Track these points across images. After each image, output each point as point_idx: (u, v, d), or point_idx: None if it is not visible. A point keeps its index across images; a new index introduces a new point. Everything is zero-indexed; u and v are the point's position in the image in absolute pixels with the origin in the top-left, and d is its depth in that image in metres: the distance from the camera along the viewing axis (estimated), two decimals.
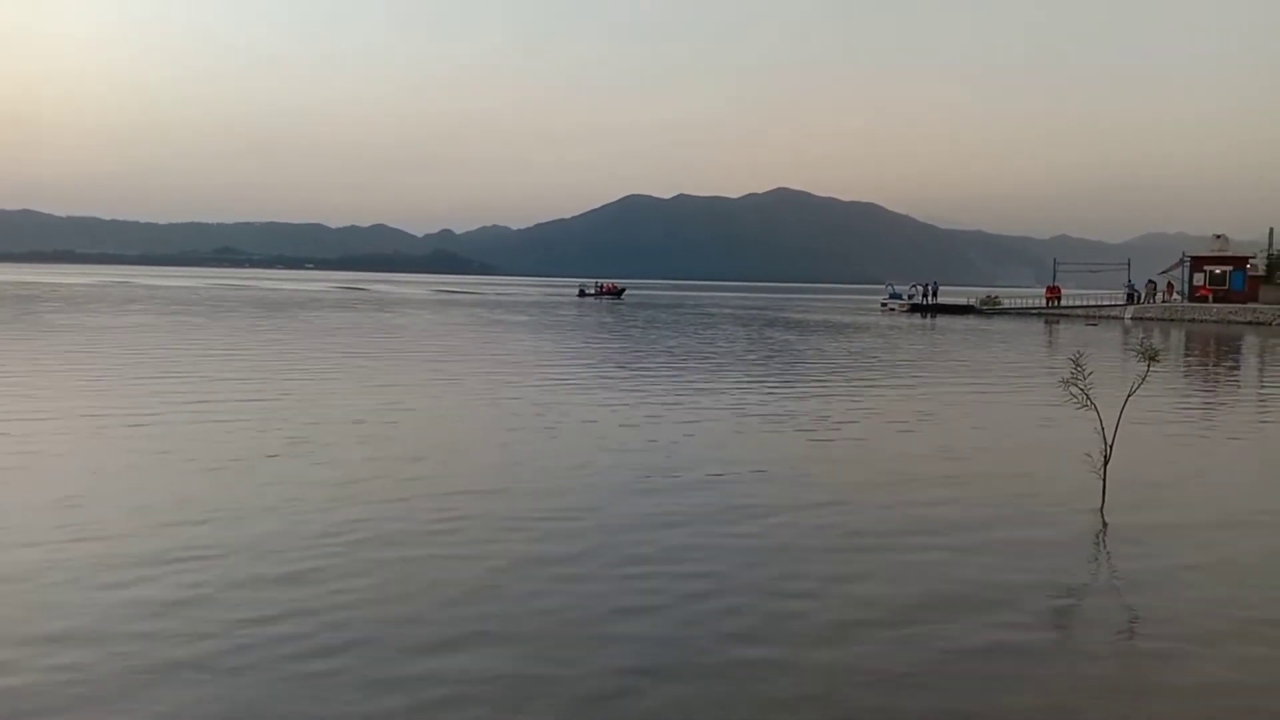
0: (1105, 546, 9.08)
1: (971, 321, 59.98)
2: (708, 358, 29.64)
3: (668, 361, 27.86)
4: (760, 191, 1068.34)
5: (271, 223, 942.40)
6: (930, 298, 75.62)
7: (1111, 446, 10.54)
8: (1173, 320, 61.23)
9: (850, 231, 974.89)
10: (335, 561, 7.80)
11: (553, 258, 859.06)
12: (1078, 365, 10.54)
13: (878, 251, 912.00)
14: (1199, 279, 67.86)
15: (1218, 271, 67.32)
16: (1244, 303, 63.13)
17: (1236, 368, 31.78)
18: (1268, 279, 68.84)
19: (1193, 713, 5.58)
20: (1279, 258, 71.16)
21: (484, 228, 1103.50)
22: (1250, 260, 68.91)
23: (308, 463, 11.73)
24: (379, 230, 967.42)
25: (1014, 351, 34.95)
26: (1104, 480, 10.42)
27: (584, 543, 8.52)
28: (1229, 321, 58.32)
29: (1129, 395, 10.71)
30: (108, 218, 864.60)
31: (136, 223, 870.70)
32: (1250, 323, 57.24)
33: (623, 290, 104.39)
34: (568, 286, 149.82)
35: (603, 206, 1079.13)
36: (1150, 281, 70.86)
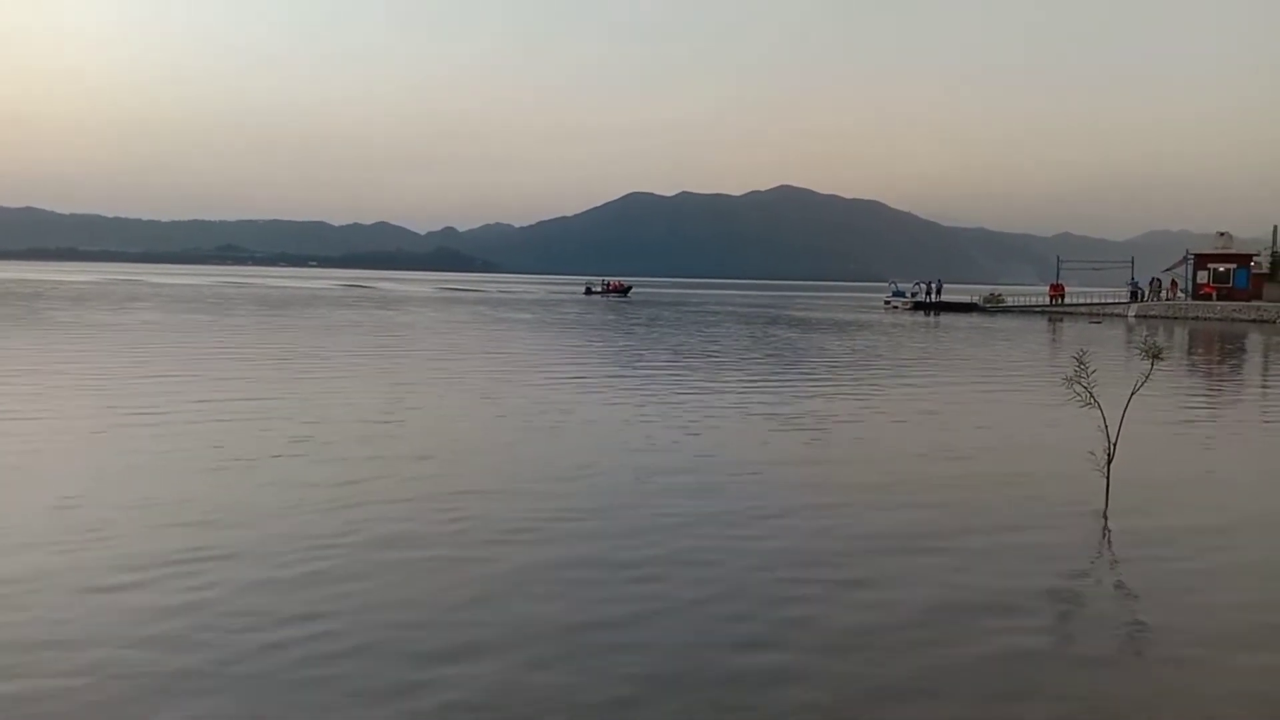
0: (1110, 549, 9.02)
1: (975, 319, 59.89)
2: (711, 356, 29.61)
3: (671, 360, 27.83)
4: (763, 189, 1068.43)
5: (274, 220, 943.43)
6: (934, 296, 75.56)
7: (1115, 445, 10.52)
8: (1176, 318, 61.13)
9: (853, 229, 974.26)
10: (338, 565, 7.74)
11: (555, 255, 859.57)
12: (1081, 363, 10.52)
13: (880, 249, 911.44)
14: (1202, 277, 67.70)
15: (1221, 269, 67.18)
16: (1248, 300, 63.04)
17: (1240, 366, 31.69)
18: (1271, 277, 68.71)
19: None
20: None
21: (486, 225, 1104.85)
22: (1254, 258, 68.73)
23: (310, 462, 11.68)
24: (381, 228, 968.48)
25: (1018, 349, 34.88)
26: (1108, 479, 10.40)
27: (588, 546, 8.45)
28: (1233, 319, 58.23)
29: (1132, 393, 10.68)
30: (110, 215, 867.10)
31: (139, 220, 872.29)
32: (1254, 320, 57.15)
33: (629, 288, 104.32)
34: (572, 284, 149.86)
35: (605, 204, 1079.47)
36: (1155, 279, 70.72)
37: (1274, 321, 56.14)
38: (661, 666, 5.99)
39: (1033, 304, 73.57)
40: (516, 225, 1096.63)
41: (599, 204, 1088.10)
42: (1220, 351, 36.66)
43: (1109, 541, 9.19)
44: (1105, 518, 9.81)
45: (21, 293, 66.11)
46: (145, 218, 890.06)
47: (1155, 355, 10.79)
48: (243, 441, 12.79)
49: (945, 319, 59.96)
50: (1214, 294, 65.17)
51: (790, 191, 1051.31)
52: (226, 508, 9.38)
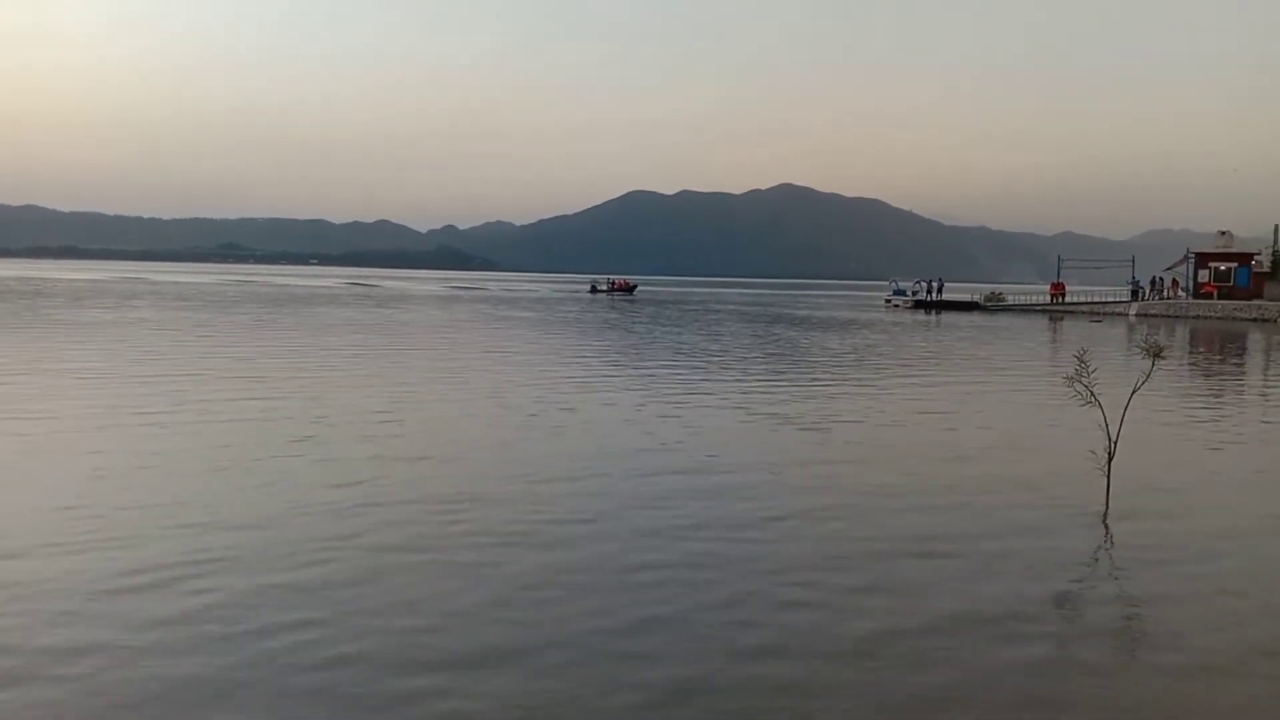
0: (1111, 551, 9.03)
1: (976, 318, 59.89)
2: (713, 355, 29.63)
3: (673, 358, 27.85)
4: (763, 188, 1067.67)
5: (275, 219, 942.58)
6: (935, 294, 75.54)
7: (1115, 444, 10.54)
8: (1177, 317, 61.11)
9: (854, 228, 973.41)
10: (341, 569, 7.68)
11: (555, 254, 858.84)
12: (1082, 362, 10.53)
13: (881, 248, 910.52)
14: (1203, 275, 67.66)
15: (1222, 268, 67.14)
16: (1248, 299, 62.99)
17: (1241, 364, 31.69)
18: (1272, 275, 68.64)
19: None
20: None
21: (487, 223, 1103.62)
22: (1255, 257, 68.68)
23: (311, 462, 11.69)
24: (383, 226, 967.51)
25: (1019, 348, 34.89)
26: (1108, 479, 10.42)
27: (593, 550, 8.37)
28: (1233, 318, 58.21)
29: (1133, 392, 10.69)
30: (111, 213, 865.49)
31: (140, 218, 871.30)
32: (1255, 319, 57.13)
33: (634, 287, 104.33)
34: (577, 283, 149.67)
35: (605, 203, 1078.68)
36: (1156, 278, 70.68)
37: (1275, 320, 56.12)
38: (671, 675, 5.90)
39: (1034, 303, 73.54)
40: (517, 224, 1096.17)
41: (599, 202, 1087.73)
42: (1221, 350, 36.65)
43: (1110, 543, 9.19)
44: (1106, 519, 9.82)
45: (22, 290, 66.12)
46: (146, 216, 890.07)
47: (1156, 354, 10.80)
48: (243, 442, 12.80)
49: (946, 318, 59.96)
50: (1215, 293, 65.13)
51: (791, 190, 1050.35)
52: (227, 510, 9.37)
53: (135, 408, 15.37)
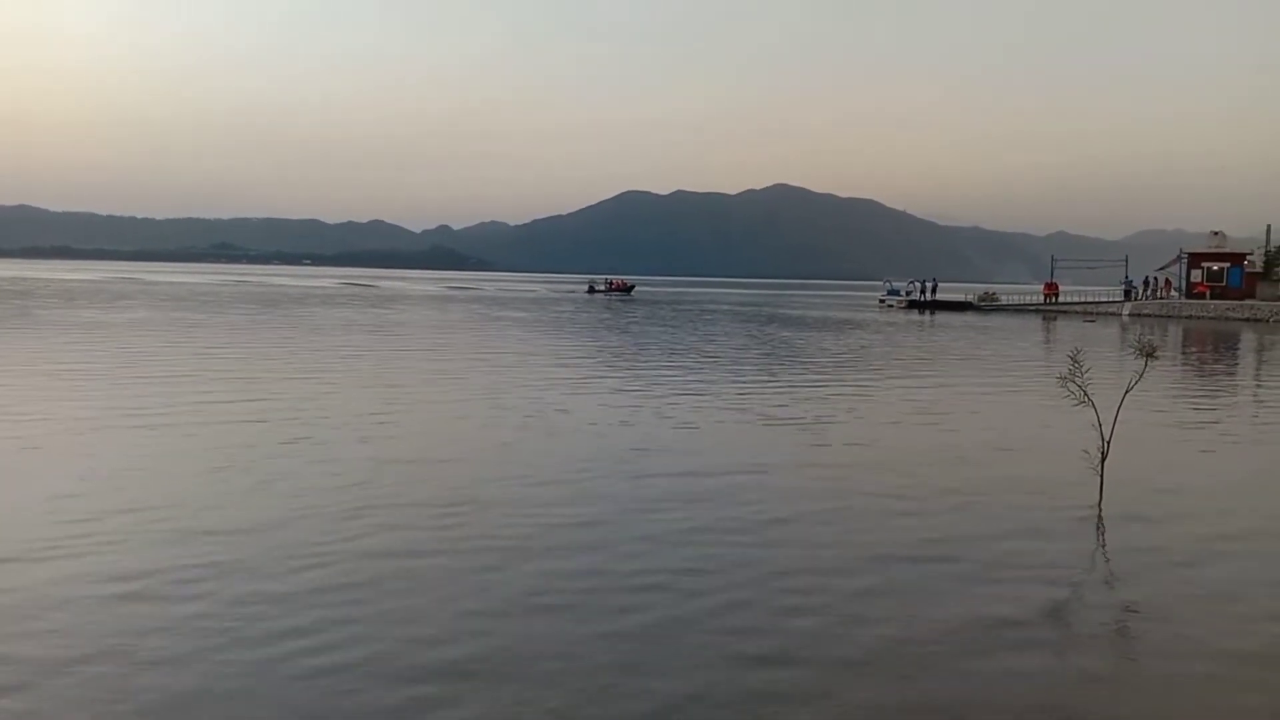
0: (1106, 554, 9.09)
1: (970, 318, 60.06)
2: (708, 355, 29.65)
3: (668, 359, 27.85)
4: (758, 188, 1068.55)
5: (269, 218, 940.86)
6: (929, 294, 75.74)
7: (1109, 444, 10.60)
8: (1170, 317, 61.34)
9: (848, 228, 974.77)
10: (335, 575, 7.61)
11: (550, 254, 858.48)
12: (1076, 362, 10.59)
13: (876, 248, 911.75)
14: (1196, 275, 68.02)
15: (1215, 268, 67.47)
16: (1241, 299, 63.29)
17: (1234, 364, 31.84)
18: (1265, 275, 69.07)
19: None
20: (1276, 254, 71.35)
21: (481, 224, 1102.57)
22: (1247, 257, 69.09)
23: (305, 463, 11.66)
24: (376, 226, 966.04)
25: (1012, 348, 34.99)
26: (1101, 478, 10.47)
27: (590, 557, 8.28)
28: (1226, 318, 58.46)
29: (1126, 392, 10.75)
30: (104, 213, 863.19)
31: (133, 218, 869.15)
32: (1247, 319, 57.37)
33: (632, 287, 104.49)
34: (573, 283, 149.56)
35: (600, 203, 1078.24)
36: (1149, 278, 70.96)
37: (1267, 320, 56.38)
38: (672, 684, 5.83)
39: (1027, 303, 73.79)
40: (511, 224, 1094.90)
41: (594, 202, 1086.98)
42: (1214, 350, 36.81)
43: (1104, 546, 9.25)
44: (1100, 520, 9.86)
45: (15, 291, 65.89)
46: (139, 216, 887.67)
47: (1149, 354, 10.88)
48: (239, 444, 12.75)
49: (940, 318, 60.11)
50: (1208, 293, 65.43)
51: (786, 190, 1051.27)
52: (222, 514, 9.34)
53: (128, 409, 15.31)
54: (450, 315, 53.07)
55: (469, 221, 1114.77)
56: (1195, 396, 21.48)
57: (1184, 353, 35.01)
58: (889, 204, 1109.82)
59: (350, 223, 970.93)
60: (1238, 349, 38.10)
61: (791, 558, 8.43)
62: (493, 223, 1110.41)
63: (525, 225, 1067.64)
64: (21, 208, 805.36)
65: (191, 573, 7.53)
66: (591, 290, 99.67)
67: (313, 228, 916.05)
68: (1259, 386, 25.10)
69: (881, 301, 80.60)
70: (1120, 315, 62.85)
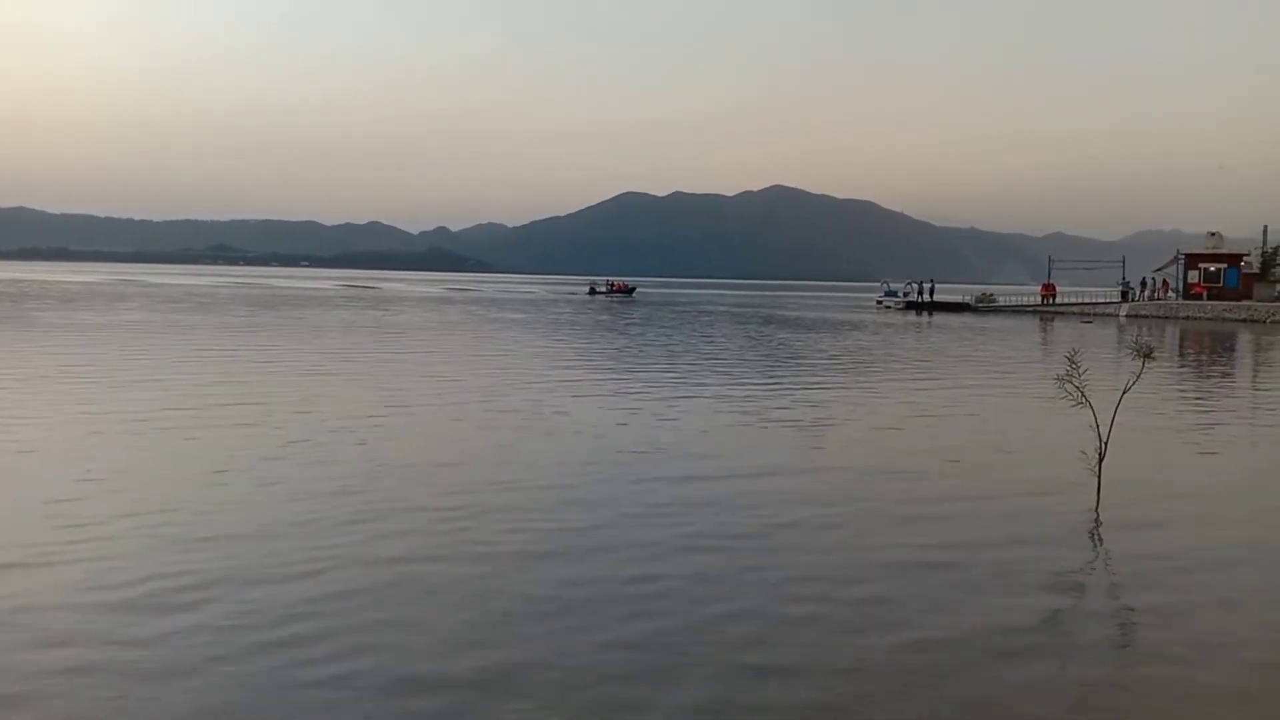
0: (1104, 558, 9.07)
1: (967, 319, 60.11)
2: (706, 356, 29.65)
3: (667, 361, 27.82)
4: (755, 189, 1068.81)
5: (266, 220, 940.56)
6: (926, 295, 75.81)
7: (1106, 444, 10.61)
8: (1167, 318, 61.43)
9: (845, 229, 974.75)
10: (333, 582, 7.54)
11: (548, 255, 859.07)
12: (1073, 363, 10.60)
13: (873, 249, 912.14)
14: (1193, 276, 68.09)
15: (1212, 269, 67.55)
16: (1238, 300, 63.37)
17: (1231, 365, 31.87)
18: (1262, 276, 69.11)
19: None
20: (1273, 255, 71.43)
21: (479, 225, 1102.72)
22: (1244, 258, 69.14)
23: (303, 466, 11.62)
24: (374, 227, 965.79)
25: (1010, 349, 35.01)
26: (1099, 479, 10.49)
27: (590, 563, 8.21)
28: (1223, 319, 58.55)
29: (1123, 393, 10.76)
30: (102, 215, 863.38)
31: (131, 220, 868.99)
32: (1244, 320, 57.47)
33: (633, 289, 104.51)
34: (572, 284, 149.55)
35: (598, 204, 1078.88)
36: (1146, 279, 71.04)
37: (1264, 320, 56.46)
38: (678, 697, 5.75)
39: (1024, 304, 73.90)
40: (509, 225, 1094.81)
41: (592, 204, 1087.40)
42: (1211, 351, 36.85)
43: (1103, 550, 9.23)
44: (1098, 522, 9.85)
45: (12, 293, 65.75)
46: (137, 217, 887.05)
47: (1146, 355, 10.89)
48: (237, 447, 12.70)
49: (937, 319, 60.17)
50: (1205, 293, 65.51)
51: (783, 191, 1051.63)
52: (218, 518, 9.29)
53: (126, 412, 15.25)
54: (449, 317, 53.03)
55: (467, 223, 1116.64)
56: (1192, 397, 21.50)
57: (1181, 354, 35.05)
58: (886, 205, 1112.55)
59: (348, 224, 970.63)
60: (1234, 350, 38.14)
61: (794, 564, 8.35)
62: (490, 224, 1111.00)
63: (523, 226, 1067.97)
64: (19, 209, 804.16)
65: (189, 579, 7.48)
66: (592, 292, 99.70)
67: (310, 229, 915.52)
68: (1256, 387, 25.13)
69: (879, 303, 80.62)
70: (1117, 316, 62.92)
